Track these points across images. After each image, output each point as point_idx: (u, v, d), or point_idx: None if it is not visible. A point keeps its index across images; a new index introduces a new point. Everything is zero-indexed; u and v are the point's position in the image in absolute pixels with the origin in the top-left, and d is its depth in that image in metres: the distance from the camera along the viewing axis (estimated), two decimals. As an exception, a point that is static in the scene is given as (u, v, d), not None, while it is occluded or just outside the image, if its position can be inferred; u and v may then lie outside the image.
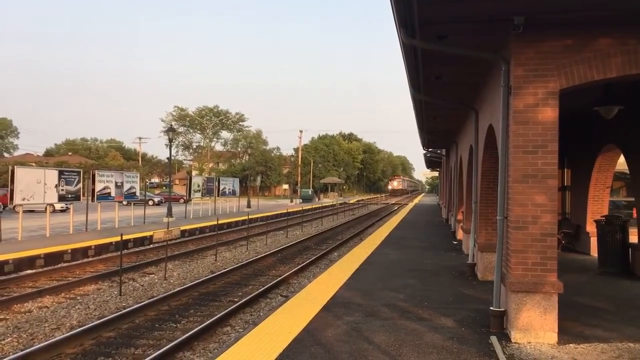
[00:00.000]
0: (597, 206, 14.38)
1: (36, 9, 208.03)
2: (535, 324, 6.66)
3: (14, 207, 19.29)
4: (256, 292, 11.60)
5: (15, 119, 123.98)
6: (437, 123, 17.14)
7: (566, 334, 6.85)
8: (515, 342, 6.63)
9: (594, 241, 13.36)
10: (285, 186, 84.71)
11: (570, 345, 6.54)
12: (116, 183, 24.28)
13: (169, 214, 29.38)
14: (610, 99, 9.39)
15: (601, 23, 6.48)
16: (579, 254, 14.56)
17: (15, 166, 19.54)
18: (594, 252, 13.09)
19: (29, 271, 14.30)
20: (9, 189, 18.61)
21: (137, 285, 12.91)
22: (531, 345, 6.52)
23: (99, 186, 22.91)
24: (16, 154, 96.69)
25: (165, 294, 11.20)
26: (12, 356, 7.24)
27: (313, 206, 48.51)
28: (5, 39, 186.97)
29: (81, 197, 22.70)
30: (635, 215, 15.52)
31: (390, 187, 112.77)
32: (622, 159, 13.35)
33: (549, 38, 6.68)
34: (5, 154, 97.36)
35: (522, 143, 6.72)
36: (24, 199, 18.64)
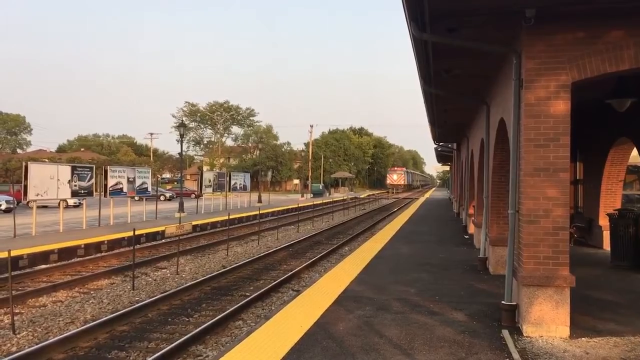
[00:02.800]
0: (610, 200, 14.26)
1: (43, 7, 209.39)
2: (547, 318, 6.64)
3: (28, 202, 19.54)
4: (268, 287, 11.66)
5: (28, 116, 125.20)
6: (448, 116, 17.06)
7: (578, 327, 6.82)
8: (527, 336, 6.62)
9: (606, 235, 13.25)
10: (296, 181, 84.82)
11: (583, 339, 6.52)
12: (128, 179, 24.49)
13: (181, 209, 29.52)
14: (623, 92, 9.28)
15: (613, 15, 6.40)
16: (592, 247, 14.46)
17: (28, 162, 19.77)
18: (607, 246, 13.00)
19: (43, 266, 14.50)
20: (22, 184, 18.83)
21: (150, 279, 13.03)
22: (543, 339, 6.51)
23: (111, 182, 23.12)
24: (29, 150, 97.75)
25: (178, 289, 11.29)
26: (27, 350, 7.36)
27: (324, 201, 48.46)
28: (16, 37, 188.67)
29: (94, 193, 22.95)
30: (648, 208, 15.39)
31: (388, 181, 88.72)
32: (635, 152, 13.24)
33: (560, 30, 6.62)
34: (19, 150, 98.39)
35: (533, 136, 6.69)
36: (37, 195, 18.85)
